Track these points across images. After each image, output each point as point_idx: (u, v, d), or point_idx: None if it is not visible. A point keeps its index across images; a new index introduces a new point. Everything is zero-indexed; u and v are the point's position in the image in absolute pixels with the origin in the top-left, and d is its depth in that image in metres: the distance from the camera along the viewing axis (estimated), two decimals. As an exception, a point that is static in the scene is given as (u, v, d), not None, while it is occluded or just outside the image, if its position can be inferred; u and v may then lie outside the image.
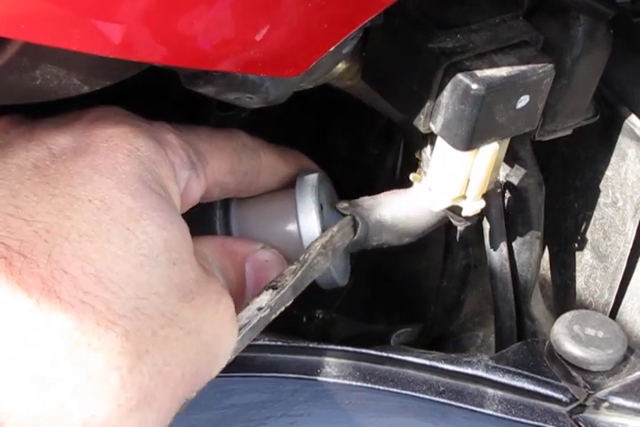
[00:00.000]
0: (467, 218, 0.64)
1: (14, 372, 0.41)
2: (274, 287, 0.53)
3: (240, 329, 0.51)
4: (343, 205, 0.63)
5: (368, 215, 0.62)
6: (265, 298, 0.52)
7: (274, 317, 0.53)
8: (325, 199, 0.64)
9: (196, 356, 0.47)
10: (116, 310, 0.44)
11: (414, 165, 0.63)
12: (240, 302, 0.56)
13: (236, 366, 0.55)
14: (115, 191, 0.47)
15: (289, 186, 0.63)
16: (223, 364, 0.50)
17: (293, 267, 0.55)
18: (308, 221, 0.60)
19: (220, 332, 0.49)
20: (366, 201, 0.63)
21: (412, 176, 0.62)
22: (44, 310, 0.42)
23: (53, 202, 0.46)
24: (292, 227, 0.61)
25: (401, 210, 0.63)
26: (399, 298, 0.85)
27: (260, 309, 0.52)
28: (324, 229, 0.61)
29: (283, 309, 0.54)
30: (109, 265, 0.45)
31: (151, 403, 0.44)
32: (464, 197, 0.59)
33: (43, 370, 0.41)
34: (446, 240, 0.70)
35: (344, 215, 0.62)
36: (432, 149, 0.59)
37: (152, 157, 0.51)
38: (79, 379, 0.42)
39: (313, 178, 0.62)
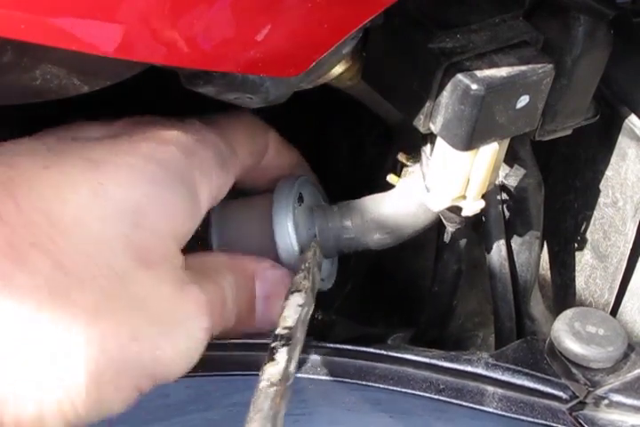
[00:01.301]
0: (464, 219, 0.64)
1: None
2: (297, 290, 0.53)
3: (296, 323, 0.51)
4: (321, 219, 0.63)
5: (345, 224, 0.63)
6: (298, 298, 0.53)
7: (309, 316, 0.53)
8: (306, 205, 0.64)
9: (139, 321, 0.47)
10: (57, 242, 0.45)
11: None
12: (251, 317, 0.57)
13: (238, 365, 0.55)
14: (116, 157, 0.49)
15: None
16: (184, 348, 0.49)
17: (301, 274, 0.55)
18: (283, 236, 0.61)
19: (177, 312, 0.49)
20: (347, 207, 0.64)
21: (389, 177, 0.63)
22: None
23: (45, 155, 0.48)
24: (267, 234, 0.61)
25: (388, 212, 0.63)
26: (398, 299, 0.85)
27: (300, 305, 0.52)
28: (300, 238, 0.61)
29: (311, 310, 0.54)
30: (64, 209, 0.46)
31: (71, 341, 0.44)
32: (464, 197, 0.59)
33: None
34: (437, 245, 0.70)
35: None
36: (432, 150, 0.59)
37: (183, 149, 0.52)
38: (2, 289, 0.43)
39: (291, 184, 0.62)
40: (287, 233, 0.60)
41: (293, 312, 0.52)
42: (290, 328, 0.51)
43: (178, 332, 0.49)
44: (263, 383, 0.47)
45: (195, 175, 0.52)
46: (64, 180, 0.47)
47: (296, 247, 0.60)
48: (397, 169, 0.64)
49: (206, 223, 0.62)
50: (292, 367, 0.49)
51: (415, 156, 0.62)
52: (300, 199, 0.63)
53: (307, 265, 0.56)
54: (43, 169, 0.47)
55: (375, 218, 0.63)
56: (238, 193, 0.64)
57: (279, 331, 0.50)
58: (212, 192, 0.54)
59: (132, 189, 0.48)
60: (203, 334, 0.50)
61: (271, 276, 0.58)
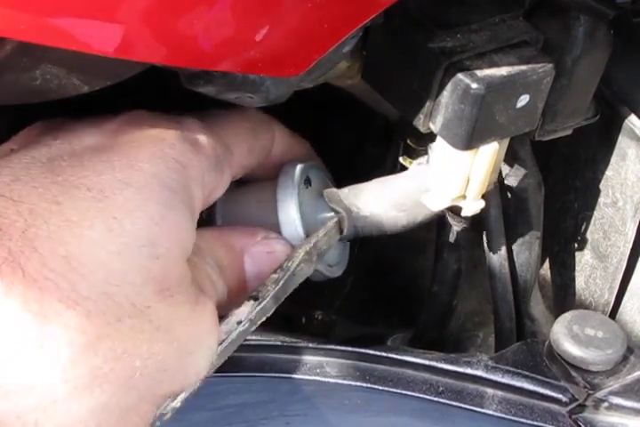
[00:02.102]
0: (464, 218, 0.64)
1: None
2: (255, 298, 0.52)
3: (219, 344, 0.50)
4: (332, 198, 0.62)
5: (358, 205, 0.62)
6: (245, 310, 0.52)
7: (254, 328, 0.52)
8: (314, 188, 0.63)
9: (164, 351, 0.47)
10: (81, 291, 0.44)
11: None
12: (242, 294, 0.55)
13: (233, 365, 0.55)
14: (118, 184, 0.48)
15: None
16: (202, 364, 0.49)
17: (275, 276, 0.54)
18: (287, 215, 0.60)
19: (196, 330, 0.49)
20: (357, 189, 0.63)
21: (401, 159, 0.62)
22: (5, 279, 0.42)
23: (51, 188, 0.47)
24: (272, 219, 0.60)
25: (399, 195, 0.62)
26: (398, 299, 0.85)
27: (239, 322, 0.51)
28: (307, 222, 0.60)
29: (264, 319, 0.53)
30: (82, 249, 0.45)
31: (103, 387, 0.44)
32: (464, 196, 0.59)
33: None
34: (437, 245, 0.69)
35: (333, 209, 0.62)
36: (432, 150, 0.59)
37: (178, 159, 0.51)
38: (30, 348, 0.42)
39: (295, 169, 0.61)
40: (290, 213, 0.60)
41: (225, 330, 0.51)
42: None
43: (197, 350, 0.49)
44: None
45: (191, 187, 0.51)
46: (78, 216, 0.46)
47: (300, 228, 0.59)
48: (397, 169, 0.64)
49: (211, 208, 0.62)
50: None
51: (424, 141, 0.61)
52: (308, 182, 0.63)
53: (288, 264, 0.55)
54: (54, 205, 0.46)
55: (389, 197, 0.61)
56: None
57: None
58: (204, 197, 0.53)
59: (144, 219, 0.47)
60: (216, 345, 0.50)
61: (263, 250, 0.57)
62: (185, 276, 0.49)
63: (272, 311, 0.53)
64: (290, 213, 0.60)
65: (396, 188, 0.62)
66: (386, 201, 0.62)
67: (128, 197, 0.48)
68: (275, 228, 0.60)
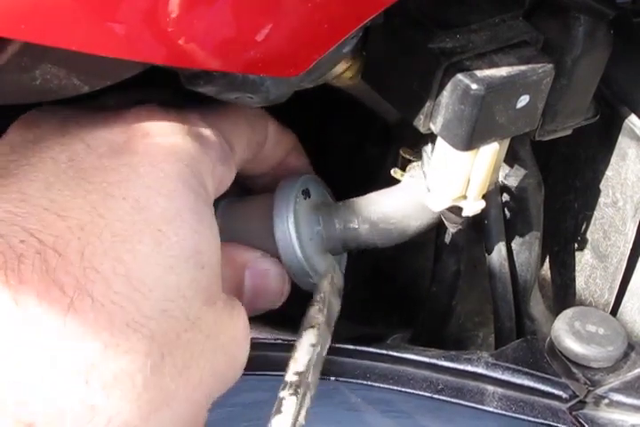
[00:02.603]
0: (462, 219, 0.64)
1: (47, 370, 0.41)
2: (311, 326, 0.53)
3: (307, 365, 0.51)
4: (324, 217, 0.63)
5: (349, 219, 0.62)
6: (310, 336, 0.53)
7: (325, 353, 0.54)
8: (312, 200, 0.63)
9: (214, 358, 0.47)
10: (145, 312, 0.44)
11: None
12: None
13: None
14: (150, 191, 0.47)
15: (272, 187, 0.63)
16: (241, 366, 0.50)
17: (316, 307, 0.55)
18: (282, 231, 0.60)
19: (236, 334, 0.49)
20: (350, 202, 0.63)
21: (393, 172, 0.62)
22: (78, 310, 0.42)
23: (87, 198, 0.46)
24: (269, 234, 0.60)
25: (393, 208, 0.62)
26: (398, 299, 0.85)
27: (313, 345, 0.52)
28: (302, 236, 0.61)
29: (327, 346, 0.54)
30: (140, 266, 0.44)
31: (170, 404, 0.44)
32: (464, 197, 0.59)
33: (73, 370, 0.41)
34: (436, 245, 0.70)
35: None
36: (432, 150, 0.59)
37: (191, 154, 0.51)
38: (106, 379, 0.42)
39: (292, 184, 0.62)
40: (286, 228, 0.60)
41: (305, 353, 0.52)
42: (300, 373, 0.50)
43: (239, 354, 0.50)
44: None
45: (206, 184, 0.51)
46: (125, 230, 0.45)
47: (296, 244, 0.60)
48: (399, 163, 0.64)
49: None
50: (302, 418, 0.49)
51: (418, 151, 0.61)
52: (307, 193, 0.63)
53: (322, 296, 0.56)
54: (100, 219, 0.45)
55: (381, 212, 0.62)
56: (240, 185, 0.64)
57: (289, 377, 0.50)
58: (215, 191, 0.53)
59: (184, 229, 0.47)
60: (249, 345, 0.51)
61: (261, 266, 0.57)
62: (220, 282, 0.49)
63: (329, 341, 0.55)
64: (285, 230, 0.60)
65: (388, 199, 0.63)
66: (376, 214, 0.63)
67: (164, 206, 0.47)
68: (271, 242, 0.60)
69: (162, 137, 0.50)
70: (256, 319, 0.57)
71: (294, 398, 0.49)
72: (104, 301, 0.42)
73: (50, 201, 0.45)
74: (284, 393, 0.49)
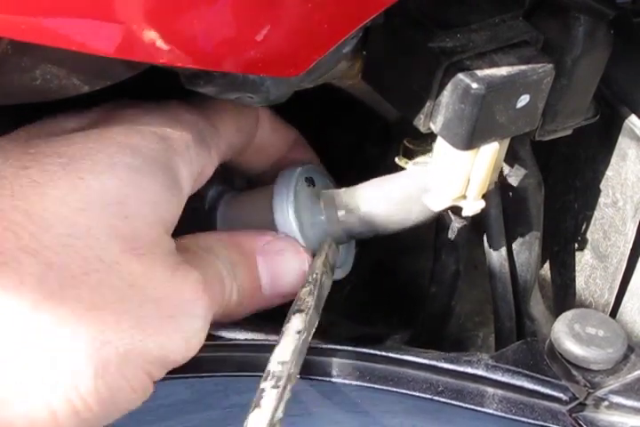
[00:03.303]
0: (464, 219, 0.63)
1: None
2: (300, 311, 0.53)
3: (291, 355, 0.51)
4: (326, 202, 0.62)
5: (351, 205, 0.62)
6: (297, 321, 0.52)
7: (310, 338, 0.53)
8: (316, 189, 0.63)
9: (140, 309, 0.47)
10: (42, 241, 0.45)
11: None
12: (256, 293, 0.56)
13: (237, 365, 0.55)
14: (89, 150, 0.49)
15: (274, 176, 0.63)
16: (188, 331, 0.49)
17: (307, 288, 0.54)
18: (284, 220, 0.60)
19: (175, 295, 0.49)
20: (353, 189, 0.63)
21: (397, 159, 0.62)
22: None
23: (22, 157, 0.48)
24: (270, 226, 0.60)
25: (396, 191, 0.62)
26: (398, 299, 0.85)
27: (299, 332, 0.52)
28: (305, 225, 0.60)
29: (314, 330, 0.54)
30: (45, 205, 0.46)
31: (69, 336, 0.44)
32: (464, 196, 0.59)
33: None
34: (436, 245, 0.69)
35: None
36: (432, 150, 0.59)
37: (156, 131, 0.52)
38: None
39: (292, 173, 0.62)
40: (287, 218, 0.60)
41: (290, 341, 0.51)
42: (283, 364, 0.50)
43: (179, 315, 0.49)
44: None
45: (173, 158, 0.52)
46: (43, 177, 0.47)
47: (297, 233, 0.60)
48: (397, 169, 0.64)
49: (212, 215, 0.62)
50: (280, 412, 0.49)
51: (423, 141, 0.61)
52: (311, 182, 0.63)
53: (313, 277, 0.55)
54: (22, 170, 0.47)
55: (383, 195, 0.61)
56: (241, 179, 0.64)
57: (271, 366, 0.50)
58: (192, 172, 0.53)
59: (113, 180, 0.48)
60: (204, 313, 0.50)
61: (273, 250, 0.57)
62: (162, 241, 0.50)
63: (317, 323, 0.54)
64: (286, 219, 0.60)
65: (391, 185, 0.62)
66: (380, 198, 0.62)
67: (97, 161, 0.48)
68: (273, 229, 0.60)
69: (126, 120, 0.52)
70: (257, 319, 0.57)
71: (275, 391, 0.49)
72: None
73: None
74: (265, 385, 0.49)
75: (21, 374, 0.44)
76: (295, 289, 0.56)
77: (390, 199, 0.61)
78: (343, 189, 0.63)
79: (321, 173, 0.65)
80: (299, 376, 0.52)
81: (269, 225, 0.60)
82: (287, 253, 0.57)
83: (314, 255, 0.59)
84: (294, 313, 0.53)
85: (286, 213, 0.60)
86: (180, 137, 0.53)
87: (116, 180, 0.48)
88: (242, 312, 0.56)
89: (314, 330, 0.54)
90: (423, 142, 0.61)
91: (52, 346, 0.44)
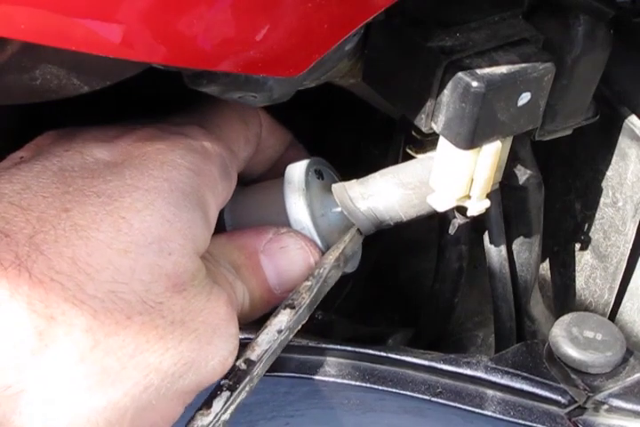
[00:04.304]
0: (468, 218, 0.63)
1: None
2: (291, 307, 0.53)
3: (262, 354, 0.51)
4: (342, 199, 0.61)
5: (366, 193, 0.61)
6: (284, 319, 0.52)
7: (291, 336, 0.53)
8: (324, 183, 0.63)
9: (181, 345, 0.47)
10: (87, 291, 0.45)
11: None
12: (266, 293, 0.56)
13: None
14: (127, 187, 0.49)
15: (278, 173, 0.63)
16: (224, 352, 0.50)
17: (309, 283, 0.54)
18: (296, 213, 0.59)
19: (212, 320, 0.49)
20: (364, 178, 0.62)
21: (407, 148, 0.62)
22: (11, 281, 0.43)
23: (61, 197, 0.47)
24: (282, 219, 0.60)
25: (411, 174, 0.61)
26: (400, 300, 0.85)
27: (279, 331, 0.52)
28: (316, 217, 0.60)
29: (299, 327, 0.54)
30: (89, 250, 0.46)
31: (115, 384, 0.44)
32: (468, 196, 0.59)
33: (1, 336, 0.42)
34: (439, 243, 0.69)
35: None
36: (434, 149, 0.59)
37: (189, 167, 0.52)
38: (36, 347, 0.43)
39: (301, 166, 0.61)
40: (299, 210, 0.59)
41: (267, 340, 0.51)
42: (251, 363, 0.50)
43: (218, 339, 0.49)
44: None
45: (205, 193, 0.52)
46: (85, 220, 0.47)
47: (310, 224, 0.59)
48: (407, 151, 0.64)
49: (219, 213, 0.62)
50: (227, 415, 0.49)
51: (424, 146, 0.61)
52: (319, 174, 0.62)
53: (320, 271, 0.55)
54: (63, 212, 0.47)
55: (398, 179, 0.61)
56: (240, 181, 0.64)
57: (239, 363, 0.50)
58: (218, 204, 0.54)
59: (154, 216, 0.48)
60: (236, 330, 0.51)
61: (276, 247, 0.57)
62: (199, 270, 0.50)
63: (306, 319, 0.54)
64: (299, 211, 0.60)
65: (403, 169, 0.62)
66: (392, 180, 0.61)
67: (136, 198, 0.48)
68: (285, 221, 0.60)
69: (158, 153, 0.52)
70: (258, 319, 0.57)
71: (227, 394, 0.49)
72: (42, 277, 0.44)
73: (20, 199, 0.47)
74: (224, 382, 0.49)
75: (63, 423, 0.44)
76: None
77: (406, 185, 0.61)
78: (354, 181, 0.62)
79: (327, 166, 0.65)
80: (300, 376, 0.52)
81: (281, 217, 0.60)
82: (290, 248, 0.57)
83: (327, 247, 0.59)
84: (284, 308, 0.53)
85: (299, 204, 0.60)
86: (210, 172, 0.53)
87: (157, 216, 0.48)
88: (256, 314, 0.56)
89: (299, 327, 0.53)
90: (422, 148, 0.61)
91: (97, 396, 0.44)
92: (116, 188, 0.48)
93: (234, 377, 0.50)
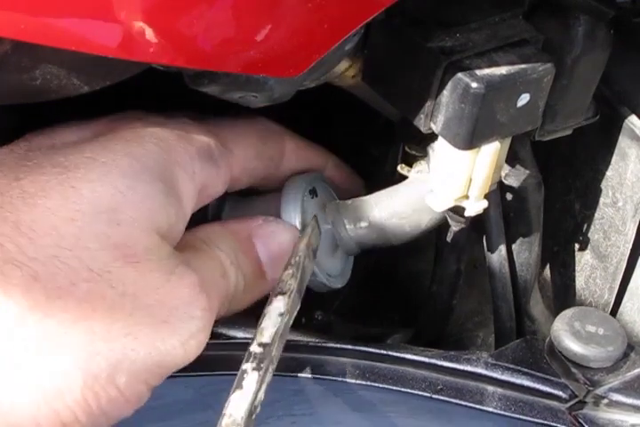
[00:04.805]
0: (465, 219, 0.63)
1: None
2: (282, 293, 0.53)
3: (273, 336, 0.50)
4: (330, 212, 0.63)
5: (359, 216, 0.62)
6: (280, 304, 0.52)
7: (291, 321, 0.53)
8: (319, 199, 0.63)
9: (131, 317, 0.46)
10: (27, 253, 0.45)
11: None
12: (261, 277, 0.56)
13: (237, 364, 0.55)
14: (84, 159, 0.49)
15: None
16: (184, 334, 0.49)
17: (290, 271, 0.54)
18: (289, 221, 0.60)
19: (170, 299, 0.48)
20: (359, 201, 0.63)
21: (399, 168, 0.62)
22: None
23: (17, 169, 0.48)
24: None
25: (403, 203, 0.62)
26: (398, 300, 0.85)
27: (281, 314, 0.52)
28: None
29: (295, 313, 0.53)
30: (33, 216, 0.46)
31: (59, 349, 0.44)
32: (466, 197, 0.59)
33: None
34: (437, 245, 0.70)
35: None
36: (434, 149, 0.59)
37: (158, 143, 0.51)
38: None
39: (299, 181, 0.62)
40: (294, 223, 0.60)
41: (272, 324, 0.51)
42: (265, 345, 0.50)
43: (173, 319, 0.48)
44: (226, 420, 0.46)
45: (173, 168, 0.51)
46: (34, 187, 0.47)
47: None
48: (405, 159, 0.64)
49: (218, 214, 0.62)
50: (262, 394, 0.48)
51: (424, 146, 0.61)
52: (314, 193, 0.63)
53: (296, 259, 0.55)
54: (14, 181, 0.47)
55: (391, 208, 0.62)
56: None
57: (253, 348, 0.50)
58: (195, 184, 0.53)
59: (106, 187, 0.48)
60: (202, 314, 0.50)
61: (266, 232, 0.57)
62: (157, 246, 0.49)
63: (299, 306, 0.54)
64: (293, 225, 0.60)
65: (397, 196, 0.63)
66: (387, 210, 0.63)
67: (90, 169, 0.48)
68: None
69: (128, 133, 0.52)
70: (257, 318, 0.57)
71: (256, 373, 0.48)
72: None
73: None
74: (246, 366, 0.49)
75: (6, 386, 0.43)
76: None
77: (399, 214, 0.62)
78: (349, 201, 0.63)
79: (324, 181, 0.65)
80: (297, 375, 0.52)
81: None
82: (279, 232, 0.58)
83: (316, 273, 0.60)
84: (276, 295, 0.52)
85: (293, 220, 0.60)
86: (184, 149, 0.53)
87: (109, 187, 0.48)
88: (250, 299, 0.56)
89: (295, 313, 0.53)
90: (424, 148, 0.61)
91: (38, 359, 0.44)
92: (73, 160, 0.48)
93: (254, 360, 0.49)
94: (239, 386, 0.48)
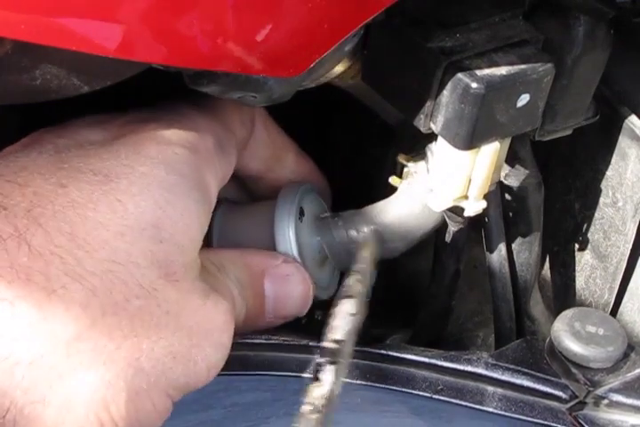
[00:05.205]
0: (463, 219, 0.64)
1: None
2: (349, 296, 0.53)
3: (345, 333, 0.51)
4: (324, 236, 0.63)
5: (359, 229, 0.63)
6: (348, 306, 0.53)
7: (360, 326, 0.53)
8: (309, 214, 0.64)
9: (173, 337, 0.47)
10: (86, 267, 0.45)
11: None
12: (260, 314, 0.57)
13: (238, 364, 0.55)
14: (123, 168, 0.49)
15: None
16: (212, 359, 0.50)
17: (355, 277, 0.55)
18: (283, 237, 0.60)
19: (205, 324, 0.49)
20: (356, 215, 0.64)
21: (391, 179, 0.62)
22: (11, 252, 0.43)
23: (57, 173, 0.48)
24: (268, 242, 0.61)
25: (394, 217, 0.63)
26: (398, 300, 0.85)
27: (352, 314, 0.52)
28: (301, 243, 0.61)
29: (364, 314, 0.54)
30: (87, 229, 0.46)
31: (107, 364, 0.44)
32: (466, 197, 0.59)
33: None
34: (435, 246, 0.70)
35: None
36: (433, 150, 0.59)
37: (184, 144, 0.52)
38: (34, 320, 0.43)
39: (293, 194, 0.62)
40: (287, 240, 0.60)
41: (344, 323, 0.52)
42: (339, 342, 0.50)
43: (208, 343, 0.49)
44: (306, 407, 0.47)
45: (203, 171, 0.52)
46: (82, 198, 0.47)
47: (296, 252, 0.60)
48: (397, 170, 0.64)
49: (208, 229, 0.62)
50: (338, 388, 0.49)
51: (415, 156, 0.62)
52: (301, 213, 0.63)
53: (362, 266, 0.56)
54: (60, 188, 0.47)
55: (382, 225, 0.63)
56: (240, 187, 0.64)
57: (327, 344, 0.50)
58: (217, 181, 0.54)
59: (148, 202, 0.48)
60: (229, 342, 0.51)
61: (281, 272, 0.58)
62: (193, 265, 0.50)
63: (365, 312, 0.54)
64: (286, 244, 0.60)
65: (389, 212, 0.63)
66: (377, 224, 0.63)
67: (132, 181, 0.48)
68: (267, 246, 0.60)
69: (152, 133, 0.52)
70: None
71: (333, 367, 0.49)
72: (42, 250, 0.44)
73: (17, 177, 0.47)
74: (322, 361, 0.49)
75: (59, 398, 0.44)
76: (297, 313, 0.58)
77: (392, 229, 0.63)
78: (337, 218, 0.64)
79: (312, 194, 0.66)
80: (297, 375, 0.52)
81: (267, 243, 0.60)
82: (293, 278, 0.58)
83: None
84: (342, 299, 0.53)
85: (287, 235, 0.60)
86: (205, 147, 0.53)
87: (151, 202, 0.48)
88: (241, 332, 0.56)
89: (364, 313, 0.54)
90: (415, 156, 0.62)
91: (90, 372, 0.44)
92: (112, 167, 0.49)
93: (330, 355, 0.50)
94: (316, 378, 0.49)
